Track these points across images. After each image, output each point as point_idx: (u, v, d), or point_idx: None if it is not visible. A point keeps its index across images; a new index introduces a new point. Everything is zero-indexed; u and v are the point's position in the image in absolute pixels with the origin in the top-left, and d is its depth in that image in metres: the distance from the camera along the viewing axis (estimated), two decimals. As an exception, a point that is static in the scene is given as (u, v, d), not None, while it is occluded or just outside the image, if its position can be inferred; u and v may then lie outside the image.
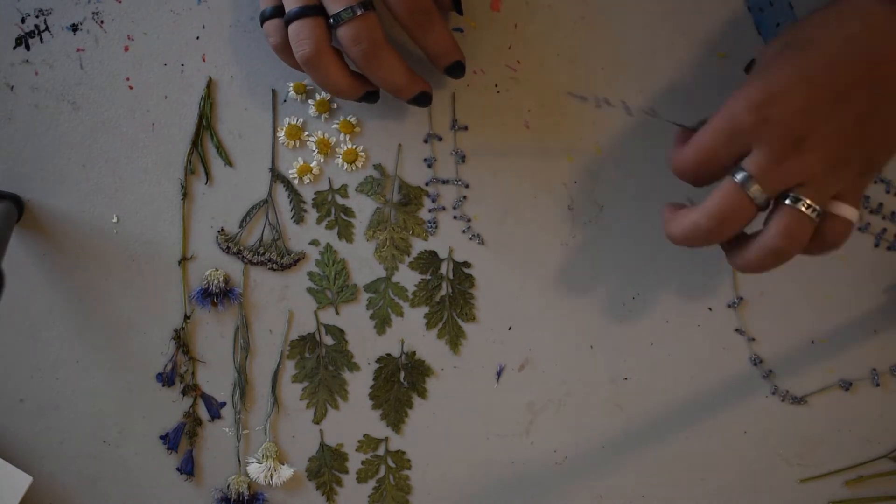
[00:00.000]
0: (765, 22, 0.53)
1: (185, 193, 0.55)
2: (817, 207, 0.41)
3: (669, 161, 0.45)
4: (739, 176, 0.41)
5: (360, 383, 0.57)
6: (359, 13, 0.45)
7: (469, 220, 0.55)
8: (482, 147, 0.55)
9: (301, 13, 0.46)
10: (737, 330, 0.56)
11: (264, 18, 0.48)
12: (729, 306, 0.56)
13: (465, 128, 0.54)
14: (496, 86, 0.54)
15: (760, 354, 0.56)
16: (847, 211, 0.42)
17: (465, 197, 0.55)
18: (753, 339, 0.56)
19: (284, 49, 0.48)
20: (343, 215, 0.55)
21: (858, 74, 0.40)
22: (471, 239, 0.55)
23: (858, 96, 0.40)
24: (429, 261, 0.56)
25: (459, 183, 0.55)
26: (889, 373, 0.56)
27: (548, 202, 0.55)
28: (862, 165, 0.42)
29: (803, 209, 0.41)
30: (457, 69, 0.50)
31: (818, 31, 0.42)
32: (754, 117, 0.41)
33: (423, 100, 0.50)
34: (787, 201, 0.41)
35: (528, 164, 0.54)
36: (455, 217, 0.55)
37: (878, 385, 0.56)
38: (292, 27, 0.46)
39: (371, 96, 0.50)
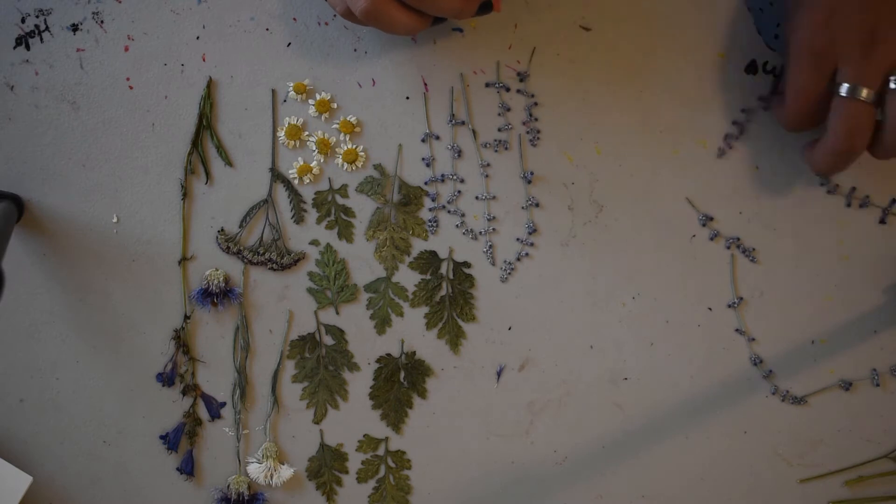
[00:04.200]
0: (765, 22, 0.53)
1: (185, 193, 0.55)
2: None
3: (780, 124, 0.50)
4: (844, 89, 0.45)
5: (360, 383, 0.57)
6: None
7: (463, 216, 0.55)
8: (482, 144, 0.55)
9: None
10: (737, 330, 0.56)
11: None
12: (729, 306, 0.56)
13: (463, 123, 0.54)
14: (498, 84, 0.54)
15: (760, 354, 0.56)
16: None
17: (459, 192, 0.55)
18: (753, 339, 0.56)
19: (350, 14, 0.47)
20: (343, 215, 0.55)
21: None
22: (464, 234, 0.55)
23: None
24: (429, 261, 0.56)
25: (455, 178, 0.55)
26: (889, 373, 0.56)
27: (548, 202, 0.55)
28: None
29: None
30: (485, 8, 0.48)
31: None
32: (825, 37, 0.45)
33: (485, 9, 0.48)
34: (893, 84, 0.45)
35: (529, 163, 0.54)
36: (449, 212, 0.55)
37: (878, 385, 0.56)
38: None
39: (483, 8, 0.48)
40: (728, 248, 0.55)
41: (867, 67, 0.45)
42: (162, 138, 0.54)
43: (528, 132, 0.54)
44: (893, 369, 0.56)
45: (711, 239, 0.55)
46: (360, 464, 0.58)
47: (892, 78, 0.45)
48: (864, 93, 0.45)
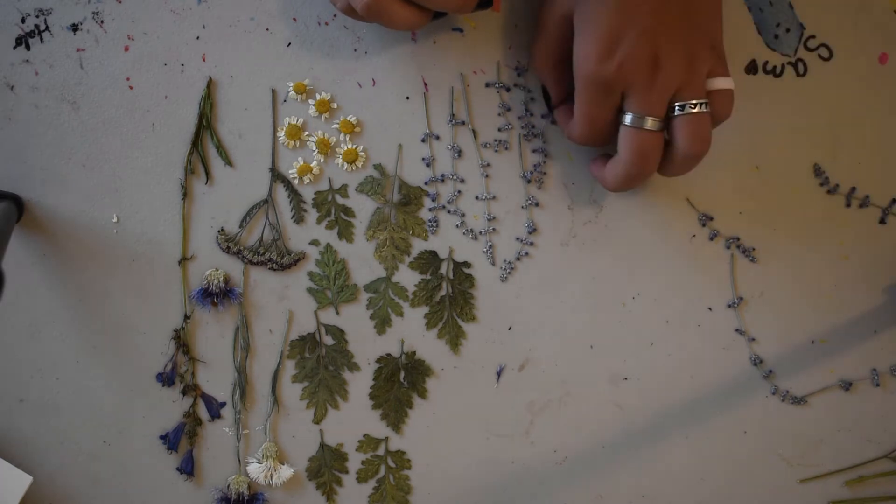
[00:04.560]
0: (765, 22, 0.53)
1: (185, 193, 0.55)
2: (702, 100, 0.46)
3: (567, 137, 0.50)
4: (629, 119, 0.46)
5: (360, 383, 0.57)
6: None
7: (463, 216, 0.55)
8: (481, 144, 0.55)
9: None
10: (737, 330, 0.56)
11: None
12: (729, 306, 0.56)
13: (463, 123, 0.54)
14: (499, 84, 0.54)
15: (760, 354, 0.56)
16: (723, 82, 0.47)
17: (459, 192, 0.55)
18: (753, 339, 0.56)
19: (351, 10, 0.48)
20: (343, 215, 0.55)
21: None
22: (464, 234, 0.55)
23: None
24: (429, 261, 0.56)
25: (455, 178, 0.55)
26: (889, 373, 0.56)
27: (548, 202, 0.55)
28: (706, 41, 0.46)
29: (693, 110, 0.45)
30: (484, 3, 0.49)
31: None
32: (610, 68, 0.45)
33: (484, 4, 0.49)
34: (677, 111, 0.46)
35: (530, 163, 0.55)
36: (449, 212, 0.55)
37: (878, 385, 0.56)
38: None
39: (483, 3, 0.49)
40: (728, 248, 0.55)
41: (651, 96, 0.45)
42: (162, 138, 0.54)
43: (523, 127, 0.54)
44: (893, 369, 0.56)
45: (711, 239, 0.55)
46: (360, 464, 0.58)
47: (676, 104, 0.45)
48: (650, 122, 0.46)
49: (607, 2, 0.44)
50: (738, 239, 0.55)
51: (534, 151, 0.54)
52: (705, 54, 0.46)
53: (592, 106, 0.47)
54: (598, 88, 0.46)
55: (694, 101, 0.46)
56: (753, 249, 0.55)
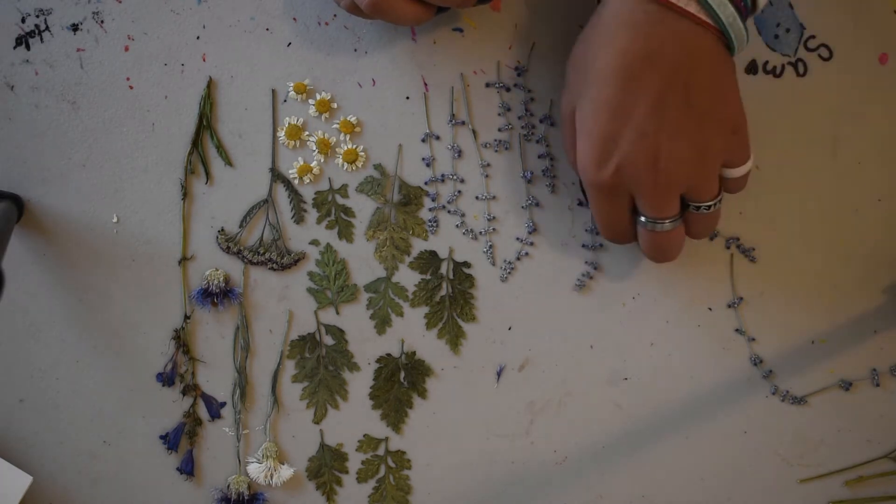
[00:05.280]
0: (765, 22, 0.53)
1: (185, 193, 0.55)
2: (715, 201, 0.45)
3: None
4: (643, 222, 0.46)
5: (360, 383, 0.57)
6: None
7: (463, 216, 0.55)
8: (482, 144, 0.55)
9: None
10: (737, 330, 0.56)
11: None
12: (729, 306, 0.56)
13: (463, 123, 0.54)
14: (499, 84, 0.54)
15: (760, 354, 0.56)
16: (740, 171, 0.45)
17: (459, 192, 0.55)
18: (753, 339, 0.56)
19: (355, 7, 0.47)
20: (343, 215, 0.55)
21: (654, 74, 0.41)
22: (464, 234, 0.55)
23: (669, 87, 0.41)
24: (429, 261, 0.56)
25: (455, 178, 0.55)
26: (889, 373, 0.56)
27: (548, 202, 0.55)
28: (723, 129, 0.43)
29: (706, 211, 0.45)
30: None
31: (593, 51, 0.43)
32: (608, 172, 0.43)
33: None
34: (691, 209, 0.45)
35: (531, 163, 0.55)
36: (449, 212, 0.55)
37: (878, 385, 0.56)
38: None
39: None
40: (728, 247, 0.55)
41: (659, 199, 0.43)
42: (162, 138, 0.54)
43: (523, 127, 0.54)
44: (893, 369, 0.56)
45: (711, 239, 0.55)
46: (360, 464, 0.58)
47: (691, 205, 0.45)
48: (663, 225, 0.45)
49: (601, 103, 0.42)
50: (738, 239, 0.55)
51: (539, 157, 0.54)
52: (720, 145, 0.43)
53: (603, 211, 0.46)
54: (601, 194, 0.44)
55: (707, 204, 0.44)
56: (753, 249, 0.55)
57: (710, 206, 0.45)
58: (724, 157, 0.44)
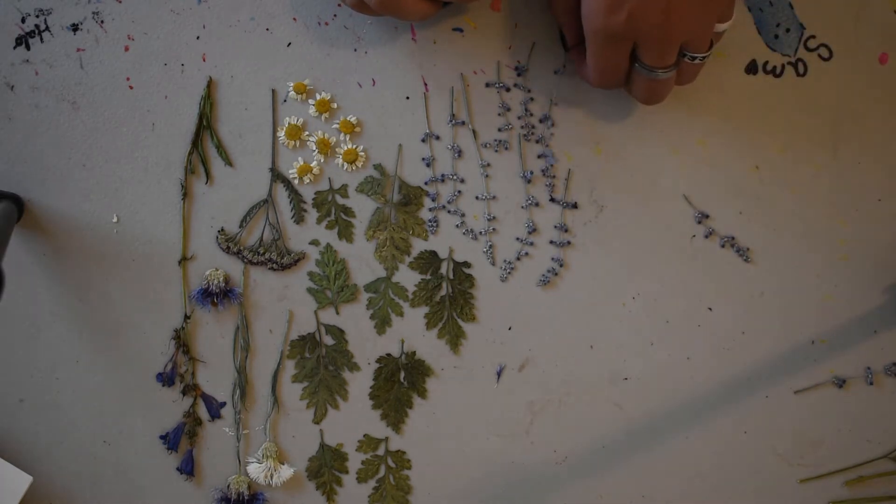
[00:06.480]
0: (765, 22, 0.53)
1: (185, 193, 0.55)
2: (707, 54, 0.46)
3: (584, 80, 0.51)
4: (644, 72, 0.47)
5: (360, 383, 0.57)
6: None
7: (463, 216, 0.55)
8: (483, 144, 0.55)
9: None
10: (736, 329, 0.56)
11: None
12: (729, 306, 0.56)
13: (463, 123, 0.54)
14: (499, 84, 0.54)
15: (760, 354, 0.56)
16: (724, 26, 0.47)
17: (459, 192, 0.55)
18: (753, 339, 0.56)
19: (362, 5, 0.48)
20: (343, 215, 0.55)
21: None
22: (464, 234, 0.55)
23: None
24: (429, 261, 0.56)
25: (455, 178, 0.55)
26: (883, 371, 0.56)
27: (548, 202, 0.55)
28: None
29: (700, 62, 0.47)
30: None
31: None
32: (619, 18, 0.44)
33: None
34: (686, 58, 0.47)
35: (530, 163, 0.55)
36: (449, 212, 0.55)
37: (871, 384, 0.56)
38: None
39: None
40: (722, 246, 0.55)
41: (662, 48, 0.45)
42: (162, 138, 0.54)
43: (522, 127, 0.54)
44: (888, 368, 0.56)
45: (706, 237, 0.55)
46: (360, 464, 0.58)
47: (687, 54, 0.46)
48: (662, 73, 0.46)
49: None
50: (733, 238, 0.55)
51: (539, 157, 0.54)
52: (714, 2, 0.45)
53: (602, 58, 0.46)
54: (607, 41, 0.45)
55: (701, 56, 0.46)
56: (748, 249, 0.55)
57: (703, 57, 0.47)
58: (720, 10, 0.46)
